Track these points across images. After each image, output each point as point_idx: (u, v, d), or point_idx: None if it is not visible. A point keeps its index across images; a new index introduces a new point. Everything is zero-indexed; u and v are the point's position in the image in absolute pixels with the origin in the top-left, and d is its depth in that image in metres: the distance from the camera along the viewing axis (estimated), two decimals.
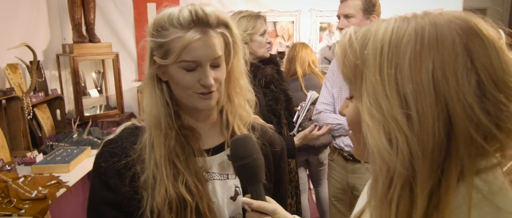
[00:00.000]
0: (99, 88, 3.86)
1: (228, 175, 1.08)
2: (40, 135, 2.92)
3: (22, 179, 2.14)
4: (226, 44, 1.01)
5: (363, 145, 0.60)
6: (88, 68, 3.86)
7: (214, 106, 1.04)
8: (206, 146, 1.08)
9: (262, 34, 2.10)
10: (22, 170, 2.35)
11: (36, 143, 2.84)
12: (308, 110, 2.34)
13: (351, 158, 2.26)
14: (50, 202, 1.98)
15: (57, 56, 3.58)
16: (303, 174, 3.17)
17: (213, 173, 1.07)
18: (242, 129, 1.11)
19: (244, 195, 1.07)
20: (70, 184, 2.21)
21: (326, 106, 2.31)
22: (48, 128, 3.08)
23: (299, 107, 2.37)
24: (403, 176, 0.56)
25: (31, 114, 2.81)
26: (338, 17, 2.22)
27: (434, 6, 3.80)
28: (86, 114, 3.56)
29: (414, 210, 0.56)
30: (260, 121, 1.19)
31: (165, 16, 0.97)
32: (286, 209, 0.99)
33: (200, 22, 0.95)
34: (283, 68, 2.63)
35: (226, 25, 1.00)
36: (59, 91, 3.43)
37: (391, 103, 0.56)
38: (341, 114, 0.72)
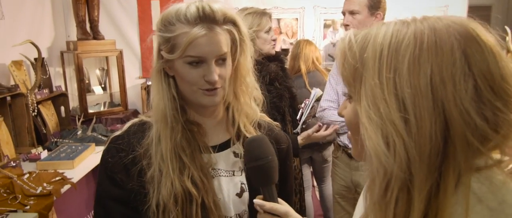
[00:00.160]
0: (103, 85, 3.88)
1: (234, 171, 1.08)
2: (45, 132, 2.93)
3: (27, 175, 2.15)
4: (233, 41, 1.01)
5: (361, 146, 0.61)
6: (92, 65, 3.87)
7: (219, 103, 1.05)
8: (212, 142, 1.08)
9: (268, 31, 2.10)
10: (27, 167, 2.36)
11: (41, 139, 2.85)
12: (312, 107, 2.33)
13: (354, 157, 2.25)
14: (55, 198, 1.99)
15: (61, 53, 3.59)
16: (306, 171, 3.17)
17: (219, 169, 1.07)
18: (248, 127, 1.11)
19: (250, 192, 1.08)
20: (75, 180, 2.22)
21: (330, 103, 2.30)
22: (52, 124, 3.10)
23: (303, 105, 2.36)
24: (400, 178, 0.56)
25: (36, 110, 2.82)
26: (343, 13, 2.21)
27: (440, 3, 3.78)
28: (90, 111, 3.57)
29: (411, 213, 0.57)
30: (267, 118, 1.19)
31: (172, 11, 0.98)
32: (291, 207, 0.99)
33: (207, 18, 0.95)
34: (287, 65, 2.62)
35: (234, 22, 1.00)
36: (63, 88, 3.44)
37: (389, 106, 0.57)
38: (340, 115, 0.73)
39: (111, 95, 3.95)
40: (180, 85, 1.02)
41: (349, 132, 0.71)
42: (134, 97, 3.98)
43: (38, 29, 3.33)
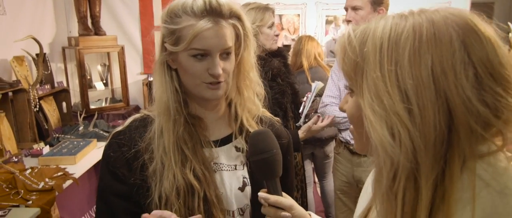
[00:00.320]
0: (104, 81, 3.88)
1: (235, 165, 1.08)
2: (47, 127, 2.94)
3: (29, 170, 2.16)
4: (237, 36, 1.01)
5: (366, 139, 0.62)
6: (94, 61, 3.87)
7: (222, 97, 1.04)
8: (214, 137, 1.08)
9: (270, 27, 2.09)
10: (29, 162, 2.37)
11: (43, 135, 2.86)
12: (313, 101, 2.33)
13: (357, 151, 2.25)
14: (56, 193, 1.99)
15: (63, 49, 3.59)
16: (308, 167, 3.17)
17: (221, 163, 1.07)
18: (251, 122, 1.11)
19: (253, 187, 1.07)
20: (77, 176, 2.22)
21: (333, 99, 2.30)
22: (54, 120, 3.10)
23: (305, 98, 2.36)
24: (407, 168, 0.58)
25: (38, 106, 2.82)
26: (346, 9, 2.20)
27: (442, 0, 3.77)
28: (92, 107, 3.57)
29: (420, 201, 0.58)
30: (268, 114, 1.20)
31: (179, 3, 0.98)
32: None
33: (213, 11, 0.95)
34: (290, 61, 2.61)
35: (239, 17, 1.00)
36: (65, 84, 3.44)
37: (393, 98, 0.58)
38: (342, 110, 0.73)
39: (112, 91, 3.95)
40: (183, 78, 1.02)
41: (351, 126, 0.72)
42: (135, 93, 3.98)
43: (40, 25, 3.33)
